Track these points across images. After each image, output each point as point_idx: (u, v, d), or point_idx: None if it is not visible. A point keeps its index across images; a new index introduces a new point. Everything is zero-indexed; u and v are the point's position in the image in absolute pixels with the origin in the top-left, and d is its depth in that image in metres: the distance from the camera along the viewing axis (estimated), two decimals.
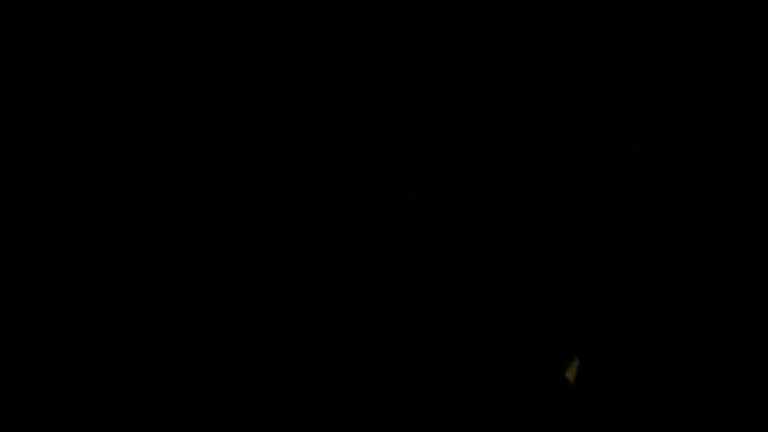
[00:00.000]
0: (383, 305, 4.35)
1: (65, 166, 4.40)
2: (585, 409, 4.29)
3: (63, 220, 4.37)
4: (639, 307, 4.32)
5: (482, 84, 4.43)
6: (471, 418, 4.30)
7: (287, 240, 4.38)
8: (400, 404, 4.32)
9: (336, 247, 4.37)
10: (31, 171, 4.40)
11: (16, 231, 4.37)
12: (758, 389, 4.24)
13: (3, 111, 4.42)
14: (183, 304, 4.35)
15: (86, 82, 4.43)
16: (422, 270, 4.36)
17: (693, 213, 4.34)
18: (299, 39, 4.45)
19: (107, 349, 4.34)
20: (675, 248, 4.34)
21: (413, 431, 4.30)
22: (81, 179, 4.40)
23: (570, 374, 4.28)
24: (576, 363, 4.30)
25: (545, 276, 4.33)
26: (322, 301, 4.36)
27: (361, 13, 4.45)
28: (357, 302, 4.36)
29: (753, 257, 4.31)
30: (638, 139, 4.37)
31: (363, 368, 4.33)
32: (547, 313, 4.33)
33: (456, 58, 4.44)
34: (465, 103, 4.43)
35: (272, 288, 4.36)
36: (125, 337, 4.34)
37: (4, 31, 4.42)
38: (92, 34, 4.44)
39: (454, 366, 4.32)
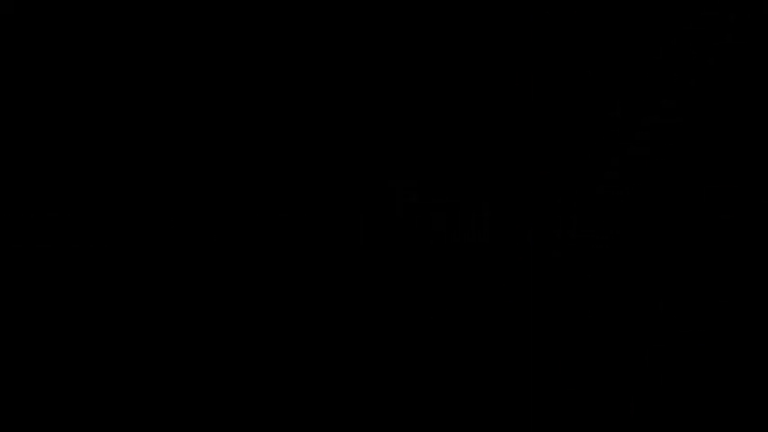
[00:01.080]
0: (383, 305, 4.35)
1: (65, 166, 4.40)
2: (585, 409, 4.29)
3: (63, 220, 4.37)
4: (639, 307, 4.32)
5: (482, 84, 4.43)
6: (471, 418, 4.30)
7: (287, 240, 4.38)
8: (400, 404, 4.32)
9: (336, 247, 4.37)
10: (31, 171, 4.40)
11: (16, 231, 4.37)
12: (758, 388, 4.24)
13: (3, 111, 4.42)
14: (184, 304, 4.35)
15: (86, 82, 4.43)
16: (422, 270, 4.36)
17: (693, 213, 4.34)
18: (299, 39, 4.45)
19: (107, 349, 4.33)
20: (675, 248, 4.34)
21: (413, 431, 4.30)
22: (81, 179, 4.40)
23: None
24: None
25: (545, 276, 4.33)
26: (322, 301, 4.36)
27: (361, 14, 4.45)
28: (357, 302, 4.36)
29: (752, 257, 4.31)
30: (638, 139, 4.37)
31: (363, 368, 4.33)
32: (547, 313, 4.33)
33: (456, 59, 4.44)
34: (465, 104, 4.43)
35: (273, 288, 4.36)
36: (125, 336, 4.34)
37: (4, 31, 4.42)
38: (92, 34, 4.44)
39: (454, 366, 4.32)
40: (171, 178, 4.40)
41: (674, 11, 4.39)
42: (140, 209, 4.39)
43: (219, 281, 4.36)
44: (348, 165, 4.41)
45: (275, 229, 4.39)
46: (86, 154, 4.41)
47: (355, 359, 4.33)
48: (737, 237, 4.31)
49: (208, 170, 4.41)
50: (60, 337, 4.33)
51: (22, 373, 4.31)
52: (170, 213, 4.39)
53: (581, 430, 4.27)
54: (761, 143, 4.34)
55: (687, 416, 4.26)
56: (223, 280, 4.36)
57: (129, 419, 4.30)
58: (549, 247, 4.35)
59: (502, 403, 4.29)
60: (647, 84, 4.38)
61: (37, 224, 4.37)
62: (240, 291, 4.36)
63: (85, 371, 4.32)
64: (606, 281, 4.33)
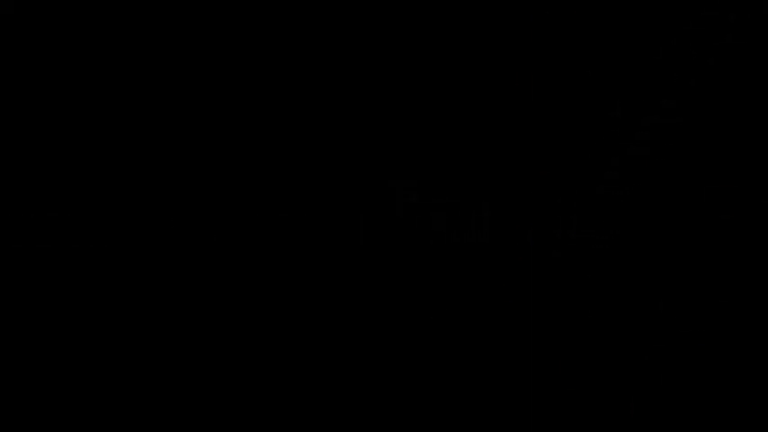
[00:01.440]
0: (383, 305, 4.35)
1: (65, 166, 4.40)
2: (585, 409, 4.29)
3: (63, 220, 4.37)
4: (639, 307, 4.32)
5: (482, 84, 4.43)
6: (471, 418, 4.30)
7: (287, 240, 4.38)
8: (400, 404, 4.32)
9: (336, 247, 4.37)
10: (31, 171, 4.40)
11: (16, 231, 4.37)
12: (758, 388, 4.24)
13: (3, 111, 4.42)
14: (183, 304, 4.35)
15: (86, 82, 4.43)
16: (422, 270, 4.36)
17: (693, 213, 4.34)
18: (299, 39, 4.45)
19: (107, 349, 4.33)
20: (675, 248, 4.34)
21: (413, 431, 4.30)
22: (81, 179, 4.40)
23: None
24: None
25: (545, 276, 4.33)
26: (322, 301, 4.36)
27: (361, 14, 4.45)
28: (357, 302, 4.36)
29: (752, 257, 4.31)
30: (638, 139, 4.37)
31: (364, 368, 4.33)
32: (547, 313, 4.33)
33: (456, 59, 4.44)
34: (465, 104, 4.43)
35: (273, 287, 4.36)
36: (125, 336, 4.34)
37: (4, 31, 4.42)
38: (92, 34, 4.44)
39: (454, 366, 4.32)
40: (171, 178, 4.40)
41: (674, 11, 4.39)
42: (140, 209, 4.39)
43: (219, 281, 4.36)
44: (348, 165, 4.41)
45: (275, 229, 4.39)
46: (86, 154, 4.41)
47: (355, 359, 4.33)
48: (737, 237, 4.31)
49: (208, 170, 4.41)
50: (60, 337, 4.33)
51: (22, 373, 4.31)
52: (170, 213, 4.39)
53: (581, 430, 4.27)
54: (761, 143, 4.34)
55: (687, 416, 4.26)
56: (223, 280, 4.36)
57: (129, 419, 4.30)
58: (549, 247, 4.35)
59: (502, 403, 4.29)
60: (647, 84, 4.38)
61: (37, 224, 4.37)
62: (240, 290, 4.36)
63: (85, 371, 4.32)
64: (606, 281, 4.33)
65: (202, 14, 4.45)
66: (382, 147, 4.42)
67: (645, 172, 4.36)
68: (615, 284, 4.33)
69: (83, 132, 4.42)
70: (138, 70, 4.43)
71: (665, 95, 4.38)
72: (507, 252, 4.35)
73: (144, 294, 4.35)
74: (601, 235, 4.34)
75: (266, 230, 4.38)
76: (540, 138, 4.40)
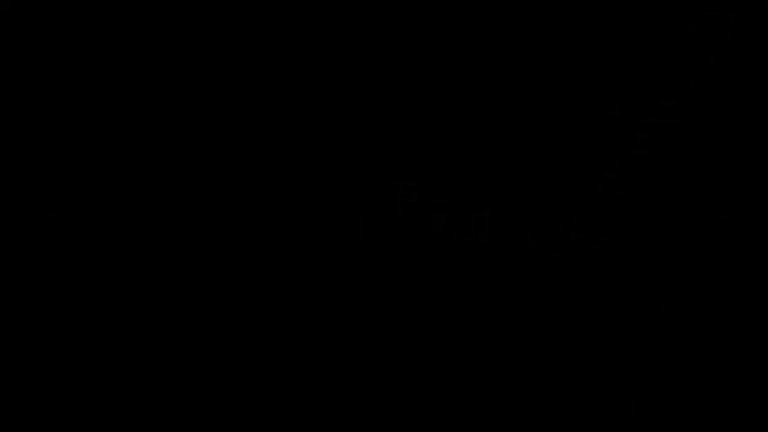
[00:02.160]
0: (383, 305, 4.35)
1: (65, 166, 4.40)
2: (585, 409, 4.29)
3: (63, 220, 4.37)
4: (639, 307, 4.32)
5: (482, 84, 4.43)
6: (471, 418, 4.30)
7: (287, 240, 4.38)
8: (400, 404, 4.32)
9: (336, 247, 4.37)
10: (31, 171, 4.40)
11: (16, 231, 4.37)
12: (758, 388, 4.24)
13: (3, 111, 4.42)
14: (183, 304, 4.35)
15: (86, 82, 4.43)
16: (422, 270, 4.36)
17: (693, 213, 4.34)
18: (299, 39, 4.45)
19: (107, 349, 4.34)
20: (675, 248, 4.34)
21: (413, 431, 4.30)
22: (81, 179, 4.40)
23: None
24: None
25: (545, 276, 4.33)
26: (322, 301, 4.36)
27: (361, 14, 4.45)
28: (357, 302, 4.36)
29: (752, 257, 4.31)
30: (638, 139, 4.37)
31: (364, 368, 4.33)
32: (547, 313, 4.33)
33: (456, 59, 4.44)
34: (465, 104, 4.43)
35: (273, 287, 4.36)
36: (125, 336, 4.34)
37: (4, 31, 4.42)
38: (92, 34, 4.44)
39: (454, 366, 4.32)
40: (171, 178, 4.40)
41: (674, 11, 4.39)
42: (140, 209, 4.39)
43: (219, 281, 4.36)
44: (348, 165, 4.41)
45: (275, 229, 4.39)
46: (86, 154, 4.41)
47: (355, 359, 4.33)
48: (737, 237, 4.31)
49: (208, 170, 4.41)
50: (60, 337, 4.33)
51: (22, 373, 4.31)
52: (170, 213, 4.39)
53: (581, 430, 4.27)
54: (761, 143, 4.34)
55: (687, 416, 4.26)
56: (223, 280, 4.36)
57: (130, 419, 4.30)
58: (549, 247, 4.35)
59: (502, 403, 4.29)
60: (647, 84, 4.38)
61: (37, 224, 4.37)
62: (240, 290, 4.36)
63: (85, 371, 4.32)
64: (606, 281, 4.33)
65: (202, 14, 4.45)
66: (382, 147, 4.42)
67: (645, 172, 4.36)
68: (615, 284, 4.33)
69: (83, 132, 4.42)
70: (138, 70, 4.44)
71: (665, 95, 4.38)
72: (507, 252, 4.35)
73: (144, 294, 4.35)
74: (601, 235, 4.34)
75: (266, 230, 4.38)
76: (540, 138, 4.40)
